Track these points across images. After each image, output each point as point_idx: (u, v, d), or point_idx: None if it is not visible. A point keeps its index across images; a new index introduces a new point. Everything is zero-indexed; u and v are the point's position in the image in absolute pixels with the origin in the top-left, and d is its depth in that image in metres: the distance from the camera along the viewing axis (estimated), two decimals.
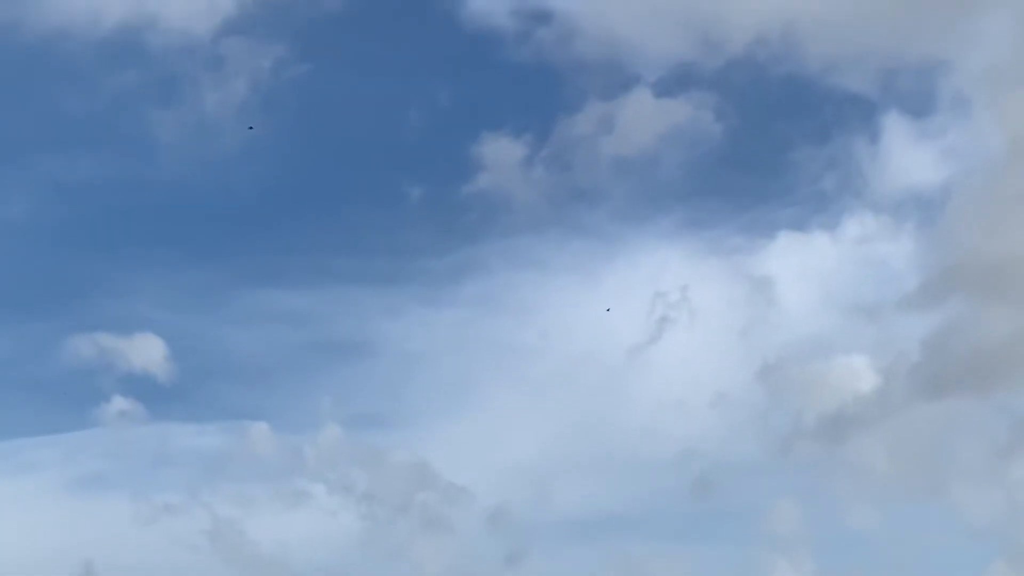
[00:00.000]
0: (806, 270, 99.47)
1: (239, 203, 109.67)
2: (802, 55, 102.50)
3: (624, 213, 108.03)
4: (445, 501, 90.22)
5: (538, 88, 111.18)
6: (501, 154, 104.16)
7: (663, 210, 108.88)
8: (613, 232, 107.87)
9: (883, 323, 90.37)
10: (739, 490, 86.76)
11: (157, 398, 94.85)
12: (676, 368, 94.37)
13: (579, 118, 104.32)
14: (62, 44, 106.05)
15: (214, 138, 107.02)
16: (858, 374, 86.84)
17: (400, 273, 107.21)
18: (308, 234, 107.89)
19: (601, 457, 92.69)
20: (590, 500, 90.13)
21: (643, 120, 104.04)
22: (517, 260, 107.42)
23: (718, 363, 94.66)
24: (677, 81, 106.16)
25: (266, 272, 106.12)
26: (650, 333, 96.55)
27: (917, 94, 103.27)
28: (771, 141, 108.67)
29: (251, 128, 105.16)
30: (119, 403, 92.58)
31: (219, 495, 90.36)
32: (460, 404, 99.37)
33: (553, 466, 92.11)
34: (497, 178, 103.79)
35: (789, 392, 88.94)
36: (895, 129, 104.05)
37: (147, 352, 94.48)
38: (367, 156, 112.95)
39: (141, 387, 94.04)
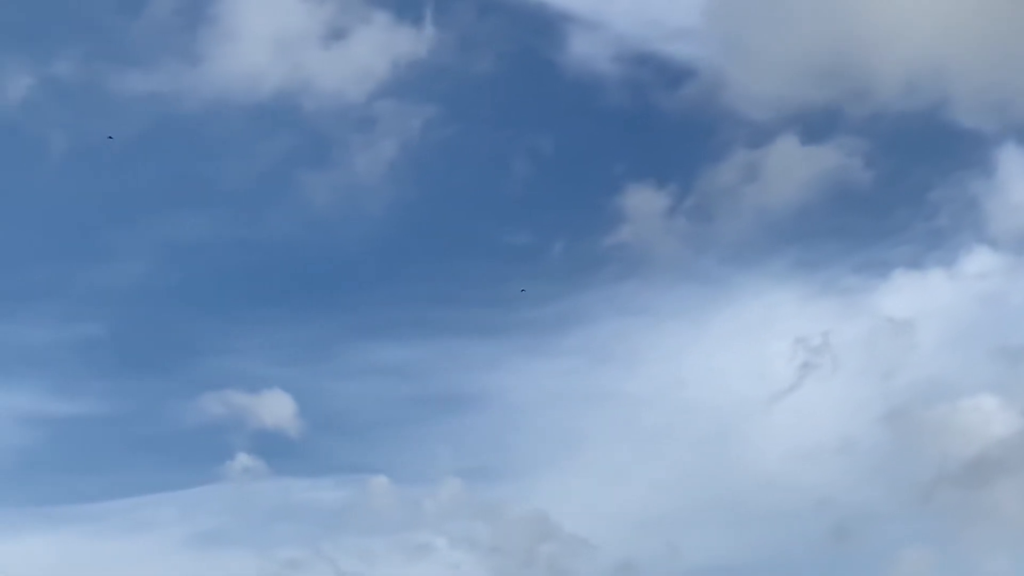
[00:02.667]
0: (926, 309, 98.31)
1: (373, 256, 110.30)
2: (917, 91, 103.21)
3: (731, 256, 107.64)
4: (568, 553, 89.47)
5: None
6: (641, 203, 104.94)
7: (772, 252, 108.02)
8: (721, 276, 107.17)
9: (1012, 362, 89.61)
10: (872, 538, 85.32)
11: (276, 453, 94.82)
12: (797, 413, 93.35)
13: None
14: (222, 111, 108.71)
15: (363, 199, 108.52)
16: (992, 416, 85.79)
17: (504, 324, 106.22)
18: (414, 287, 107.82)
19: (724, 506, 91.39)
20: (718, 550, 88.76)
21: None
22: (622, 307, 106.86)
23: (841, 407, 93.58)
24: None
25: (374, 326, 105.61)
26: (766, 378, 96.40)
27: None
28: (884, 178, 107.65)
29: (111, 138, 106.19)
30: (241, 459, 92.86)
31: (341, 549, 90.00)
32: (571, 454, 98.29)
33: (674, 516, 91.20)
34: (627, 227, 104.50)
35: (920, 436, 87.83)
36: (1012, 163, 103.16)
37: (265, 408, 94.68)
38: (472, 208, 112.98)
39: (260, 443, 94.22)
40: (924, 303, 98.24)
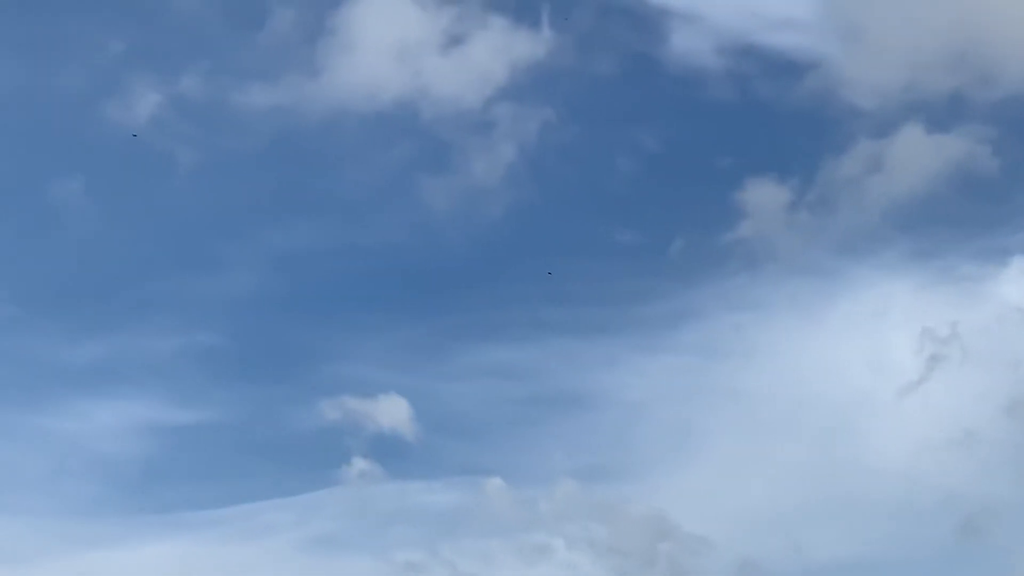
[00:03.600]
0: None
1: (485, 258, 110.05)
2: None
3: (845, 247, 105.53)
4: (688, 552, 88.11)
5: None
6: (758, 198, 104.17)
7: (884, 241, 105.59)
8: (835, 267, 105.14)
9: None
10: (1001, 533, 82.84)
11: (392, 456, 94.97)
12: (921, 405, 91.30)
13: None
14: (341, 122, 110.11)
15: (477, 202, 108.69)
16: None
17: (615, 322, 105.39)
18: (526, 287, 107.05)
19: (846, 501, 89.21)
20: (842, 547, 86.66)
21: None
22: (736, 302, 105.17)
23: (962, 398, 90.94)
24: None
25: (487, 327, 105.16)
26: (884, 369, 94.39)
27: None
28: (1010, 166, 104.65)
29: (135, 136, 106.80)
30: (357, 464, 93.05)
31: (459, 551, 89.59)
32: (688, 452, 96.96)
33: (796, 512, 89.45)
34: (742, 222, 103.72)
35: None
36: None
37: (381, 412, 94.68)
38: (583, 207, 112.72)
39: (376, 447, 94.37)
40: None
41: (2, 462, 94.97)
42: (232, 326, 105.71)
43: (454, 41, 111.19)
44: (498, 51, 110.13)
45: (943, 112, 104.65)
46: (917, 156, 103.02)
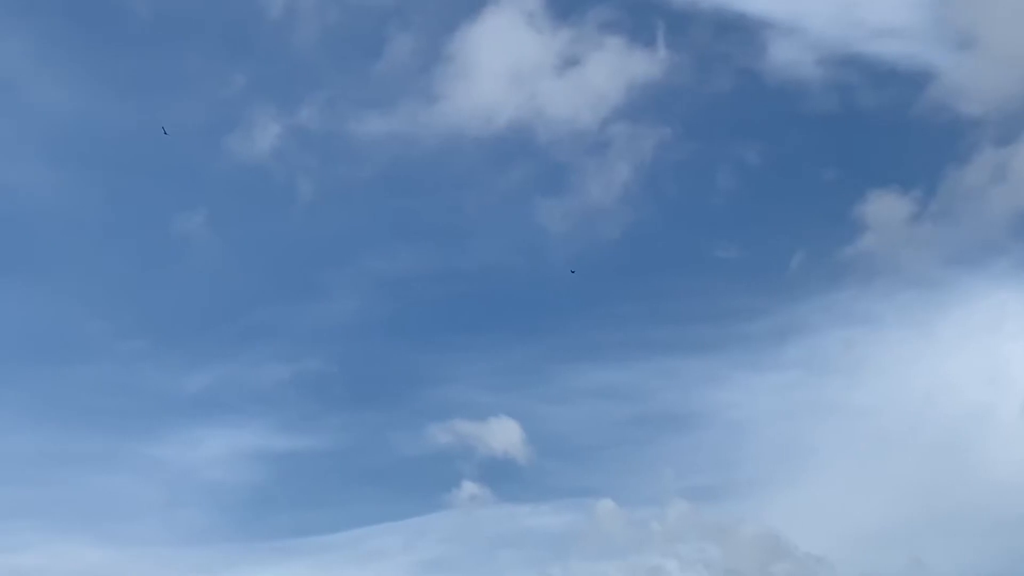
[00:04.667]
0: None
1: (589, 279, 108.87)
2: None
3: (953, 258, 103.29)
4: (804, 572, 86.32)
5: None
6: (884, 211, 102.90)
7: (994, 252, 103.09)
8: (943, 279, 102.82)
9: None
10: None
11: (500, 479, 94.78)
12: None
13: None
14: (457, 147, 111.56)
15: (592, 224, 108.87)
16: None
17: (721, 339, 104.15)
18: (629, 306, 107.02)
19: (966, 516, 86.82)
20: (965, 561, 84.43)
21: None
22: (842, 316, 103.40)
23: None
24: None
25: (592, 347, 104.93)
26: (999, 381, 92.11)
27: None
28: None
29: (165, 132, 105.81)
30: (467, 487, 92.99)
31: (570, 574, 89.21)
32: (798, 470, 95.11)
33: (915, 528, 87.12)
34: (863, 234, 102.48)
35: None
36: None
37: (492, 435, 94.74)
38: (685, 223, 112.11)
39: (484, 470, 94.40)
40: None
41: (116, 492, 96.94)
42: (339, 353, 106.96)
43: (570, 62, 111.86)
44: (614, 71, 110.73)
45: None
46: None
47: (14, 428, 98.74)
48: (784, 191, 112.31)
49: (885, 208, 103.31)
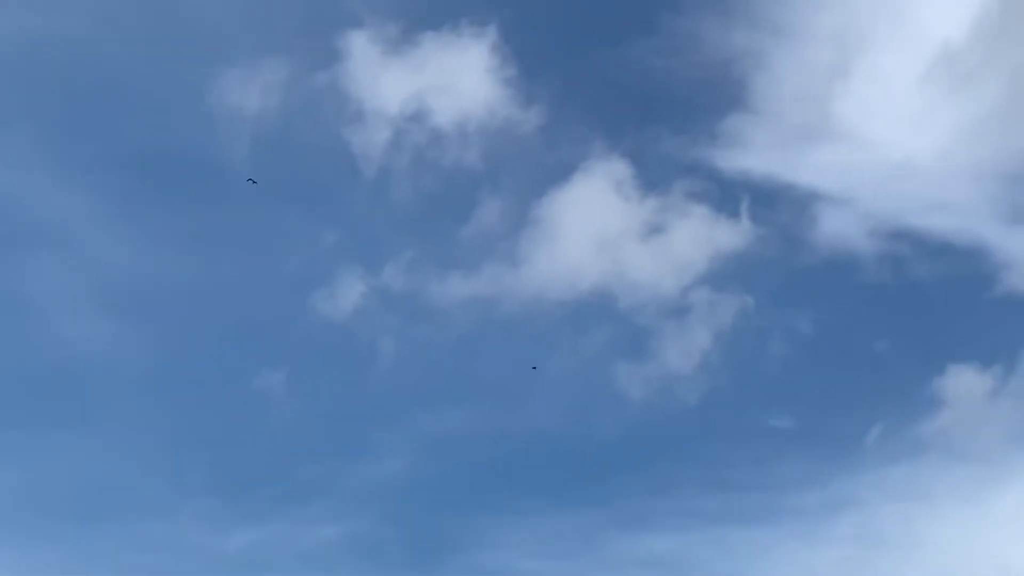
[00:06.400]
0: None
1: (635, 443, 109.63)
2: None
3: (1009, 434, 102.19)
4: None
5: None
6: (960, 386, 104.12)
7: None
8: (1000, 455, 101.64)
9: None
10: None
11: None
12: None
13: None
14: (540, 309, 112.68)
15: (681, 389, 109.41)
16: None
17: (771, 510, 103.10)
18: (677, 473, 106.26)
19: None
20: None
21: None
22: (894, 491, 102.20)
23: None
24: None
25: (639, 515, 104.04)
26: None
27: None
28: None
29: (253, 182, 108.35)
30: None
31: None
32: None
33: None
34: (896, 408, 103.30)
35: None
36: None
37: None
38: (726, 391, 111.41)
39: None
40: None
41: None
42: (383, 513, 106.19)
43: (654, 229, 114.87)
44: (697, 240, 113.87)
45: None
46: None
47: None
48: (831, 359, 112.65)
49: (952, 383, 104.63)
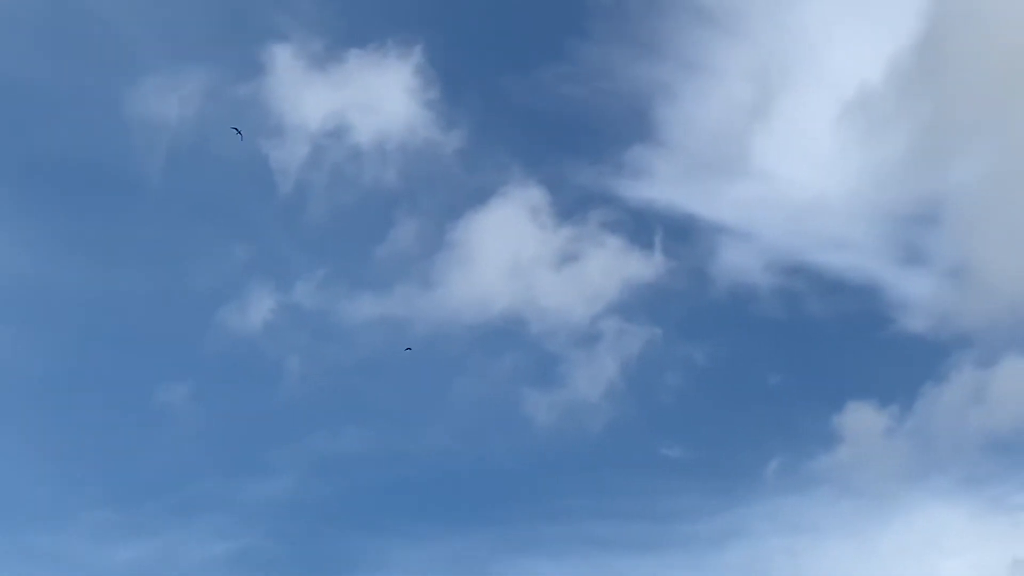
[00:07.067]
0: None
1: (530, 470, 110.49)
2: None
3: (902, 471, 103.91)
4: None
5: None
6: (858, 423, 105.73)
7: (936, 468, 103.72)
8: (884, 491, 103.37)
9: None
10: None
11: None
12: None
13: None
14: (450, 332, 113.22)
15: (585, 417, 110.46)
16: None
17: (660, 538, 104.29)
18: (570, 500, 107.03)
19: None
20: None
21: None
22: (783, 523, 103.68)
23: None
24: None
25: (530, 541, 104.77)
26: None
27: None
28: None
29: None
30: None
31: None
32: None
33: None
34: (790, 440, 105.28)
35: None
36: None
37: None
38: (629, 420, 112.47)
39: None
40: None
41: None
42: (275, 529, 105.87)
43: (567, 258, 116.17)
44: (609, 270, 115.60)
45: None
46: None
47: None
48: (732, 394, 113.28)
49: (851, 420, 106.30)
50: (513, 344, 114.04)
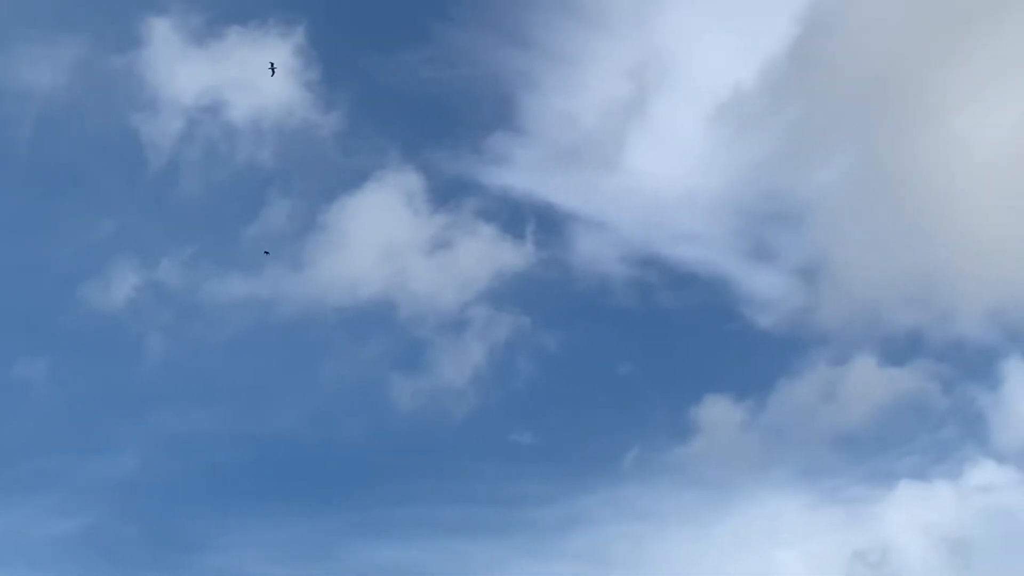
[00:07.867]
0: (926, 521, 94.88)
1: (380, 455, 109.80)
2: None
3: (751, 462, 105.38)
4: None
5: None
6: (715, 415, 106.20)
7: (777, 460, 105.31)
8: (726, 481, 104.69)
9: None
10: None
11: None
12: None
13: None
14: (318, 314, 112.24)
15: (447, 402, 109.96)
16: None
17: (506, 523, 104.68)
18: (414, 485, 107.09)
19: None
20: None
21: None
22: (626, 511, 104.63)
23: None
24: None
25: (377, 524, 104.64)
26: None
27: None
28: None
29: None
30: None
31: None
32: None
33: None
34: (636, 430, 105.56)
35: None
36: (1017, 376, 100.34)
37: None
38: (480, 408, 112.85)
39: None
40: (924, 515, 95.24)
41: None
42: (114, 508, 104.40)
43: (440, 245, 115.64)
44: (481, 258, 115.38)
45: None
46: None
47: None
48: (583, 382, 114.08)
49: (707, 412, 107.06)
50: (381, 328, 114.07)
